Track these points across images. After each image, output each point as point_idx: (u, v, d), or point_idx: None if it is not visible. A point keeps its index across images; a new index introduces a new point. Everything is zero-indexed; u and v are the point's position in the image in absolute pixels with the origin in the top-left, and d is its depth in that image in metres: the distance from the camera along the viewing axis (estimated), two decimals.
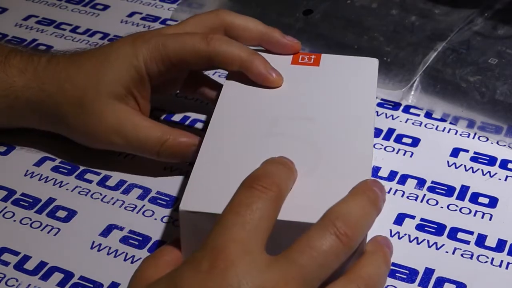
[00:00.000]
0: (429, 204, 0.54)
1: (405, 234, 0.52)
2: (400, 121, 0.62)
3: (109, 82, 0.55)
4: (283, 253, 0.40)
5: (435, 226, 0.53)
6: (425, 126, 0.62)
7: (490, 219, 0.53)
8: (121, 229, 0.53)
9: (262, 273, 0.38)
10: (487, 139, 0.60)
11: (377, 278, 0.42)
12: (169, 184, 0.56)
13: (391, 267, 0.50)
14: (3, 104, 0.56)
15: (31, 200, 0.55)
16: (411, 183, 0.56)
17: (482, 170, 0.57)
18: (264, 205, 0.40)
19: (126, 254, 0.51)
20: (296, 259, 0.39)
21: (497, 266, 0.50)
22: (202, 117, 0.63)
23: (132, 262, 0.50)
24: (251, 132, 0.50)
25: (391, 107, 0.64)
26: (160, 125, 0.56)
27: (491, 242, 0.51)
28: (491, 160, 0.58)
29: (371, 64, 0.56)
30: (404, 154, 0.59)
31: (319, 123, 0.50)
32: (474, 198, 0.55)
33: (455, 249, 0.51)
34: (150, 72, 0.55)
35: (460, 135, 0.61)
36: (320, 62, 0.56)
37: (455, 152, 0.59)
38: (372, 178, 0.45)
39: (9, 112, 0.57)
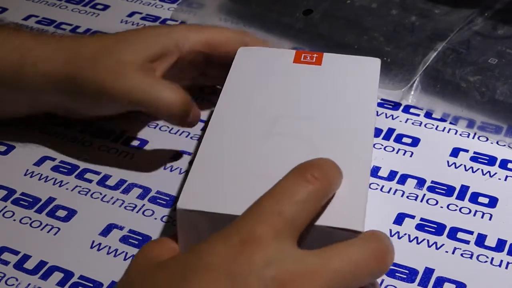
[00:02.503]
0: (429, 204, 0.54)
1: (405, 234, 0.52)
2: (400, 121, 0.62)
3: (132, 52, 0.55)
4: (319, 250, 0.39)
5: (435, 226, 0.53)
6: (425, 126, 0.62)
7: (490, 219, 0.53)
8: (121, 228, 0.53)
9: (289, 260, 0.38)
10: (487, 139, 0.60)
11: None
12: (169, 184, 0.56)
13: (391, 267, 0.49)
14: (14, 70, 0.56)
15: (31, 200, 0.55)
16: (411, 183, 0.56)
17: (482, 170, 0.57)
18: (307, 198, 0.40)
19: (126, 253, 0.51)
20: (330, 259, 0.38)
21: (497, 266, 0.50)
22: (203, 116, 0.63)
23: None
24: (251, 132, 0.49)
25: (391, 107, 0.64)
26: (181, 90, 0.55)
27: (491, 242, 0.51)
28: (491, 160, 0.58)
29: (373, 64, 0.56)
30: (404, 154, 0.59)
31: (319, 123, 0.50)
32: (474, 198, 0.55)
33: (455, 249, 0.51)
34: (182, 49, 0.57)
35: (460, 135, 0.61)
36: (322, 61, 0.56)
37: (455, 152, 0.59)
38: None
39: (18, 84, 0.56)
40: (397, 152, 0.59)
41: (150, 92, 0.54)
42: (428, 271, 0.50)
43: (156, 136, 0.60)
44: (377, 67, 0.56)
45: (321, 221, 0.42)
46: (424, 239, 0.52)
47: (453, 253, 0.51)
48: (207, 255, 0.38)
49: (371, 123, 0.50)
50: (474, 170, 0.57)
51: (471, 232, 0.52)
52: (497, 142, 0.60)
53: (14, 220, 0.54)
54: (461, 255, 0.51)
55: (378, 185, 0.56)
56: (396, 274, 0.49)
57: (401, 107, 0.64)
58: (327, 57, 0.57)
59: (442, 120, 0.62)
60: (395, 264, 0.50)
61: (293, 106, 0.52)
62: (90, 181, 0.57)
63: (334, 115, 0.51)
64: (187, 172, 0.57)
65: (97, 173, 0.57)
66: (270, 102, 0.52)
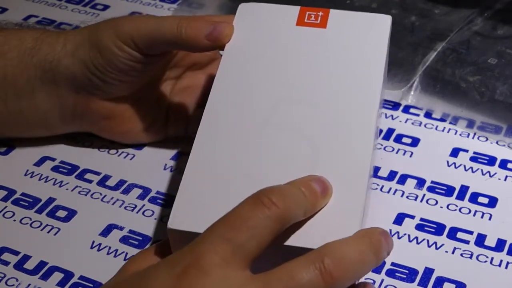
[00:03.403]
0: (429, 204, 0.54)
1: (405, 234, 0.52)
2: (400, 121, 0.62)
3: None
4: (263, 274, 0.38)
5: (435, 226, 0.53)
6: (424, 126, 0.62)
7: (490, 219, 0.53)
8: (121, 229, 0.53)
9: (229, 285, 0.37)
10: (487, 139, 0.60)
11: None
12: (169, 184, 0.56)
13: (391, 267, 0.50)
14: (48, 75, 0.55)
15: (31, 200, 0.55)
16: (411, 183, 0.56)
17: (482, 170, 0.57)
18: (262, 224, 0.39)
19: (126, 254, 0.51)
20: (272, 284, 0.38)
21: (496, 265, 0.50)
22: None
23: None
24: (246, 128, 0.47)
25: (390, 107, 0.64)
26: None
27: (490, 241, 0.51)
28: (491, 160, 0.58)
29: (383, 22, 0.52)
30: (403, 154, 0.59)
31: (320, 110, 0.48)
32: (474, 198, 0.55)
33: (454, 248, 0.51)
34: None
35: (460, 135, 0.61)
36: (328, 22, 0.52)
37: (455, 152, 0.59)
38: (383, 229, 0.42)
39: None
40: (397, 152, 0.59)
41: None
42: (428, 271, 0.50)
43: None
44: (387, 26, 0.52)
45: (290, 241, 0.41)
46: (424, 239, 0.52)
47: (453, 253, 0.51)
48: (150, 281, 0.38)
49: (373, 116, 0.48)
50: (474, 170, 0.57)
51: (471, 232, 0.52)
52: (496, 142, 0.60)
53: (14, 220, 0.54)
54: (461, 255, 0.51)
55: (378, 185, 0.56)
56: (396, 274, 0.49)
57: (401, 107, 0.64)
58: (333, 16, 0.53)
59: (441, 120, 0.62)
60: (395, 264, 0.50)
61: (293, 86, 0.49)
62: (90, 181, 0.57)
63: (336, 98, 0.48)
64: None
65: (97, 173, 0.57)
66: (271, 80, 0.49)
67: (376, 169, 0.57)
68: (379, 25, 0.52)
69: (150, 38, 0.53)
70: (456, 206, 0.54)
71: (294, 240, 0.42)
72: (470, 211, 0.54)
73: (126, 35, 0.53)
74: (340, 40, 0.52)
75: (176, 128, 0.59)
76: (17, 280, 0.49)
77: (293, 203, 0.40)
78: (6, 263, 0.51)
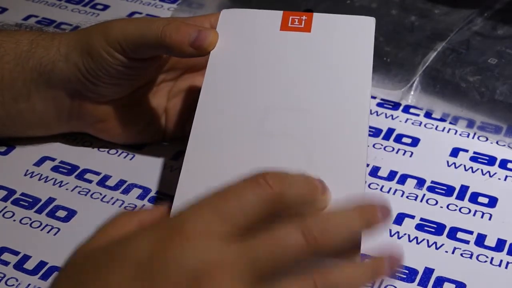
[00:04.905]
0: (429, 204, 0.54)
1: (405, 234, 0.52)
2: (400, 121, 0.62)
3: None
4: (245, 241, 0.38)
5: (435, 226, 0.53)
6: (424, 126, 0.62)
7: (490, 219, 0.53)
8: None
9: (211, 253, 0.37)
10: (487, 139, 0.60)
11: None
12: (169, 184, 0.56)
13: None
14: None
15: (31, 200, 0.55)
16: (411, 183, 0.56)
17: (482, 170, 0.57)
18: (251, 199, 0.38)
19: None
20: (252, 244, 0.37)
21: (496, 265, 0.50)
22: None
23: None
24: (238, 140, 0.47)
25: (390, 107, 0.64)
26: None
27: (490, 241, 0.51)
28: (491, 160, 0.58)
29: (367, 24, 0.52)
30: (403, 154, 0.59)
31: (310, 115, 0.48)
32: (474, 198, 0.55)
33: (454, 248, 0.51)
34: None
35: (460, 135, 0.61)
36: (312, 26, 0.52)
37: (455, 152, 0.59)
38: (383, 202, 0.41)
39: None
40: (397, 152, 0.59)
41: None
42: (428, 271, 0.50)
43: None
44: (372, 27, 0.52)
45: None
46: (424, 239, 0.52)
47: (453, 253, 0.51)
48: (133, 245, 0.38)
49: (365, 118, 0.48)
50: (474, 170, 0.57)
51: (471, 232, 0.52)
52: (497, 142, 0.60)
53: (14, 220, 0.54)
54: (461, 255, 0.51)
55: (378, 185, 0.56)
56: (396, 274, 0.49)
57: (401, 107, 0.64)
58: (317, 19, 0.52)
59: (441, 120, 0.62)
60: None
61: (282, 91, 0.49)
62: (90, 181, 0.57)
63: (326, 102, 0.48)
64: None
65: (97, 173, 0.57)
66: (258, 87, 0.49)
67: (376, 169, 0.57)
68: (364, 27, 0.52)
69: (135, 43, 0.53)
70: (456, 206, 0.54)
71: None
72: (470, 211, 0.54)
73: (114, 40, 0.53)
74: (326, 44, 0.51)
75: (173, 130, 0.59)
76: (17, 280, 0.49)
77: (290, 189, 0.40)
78: (6, 263, 0.50)
